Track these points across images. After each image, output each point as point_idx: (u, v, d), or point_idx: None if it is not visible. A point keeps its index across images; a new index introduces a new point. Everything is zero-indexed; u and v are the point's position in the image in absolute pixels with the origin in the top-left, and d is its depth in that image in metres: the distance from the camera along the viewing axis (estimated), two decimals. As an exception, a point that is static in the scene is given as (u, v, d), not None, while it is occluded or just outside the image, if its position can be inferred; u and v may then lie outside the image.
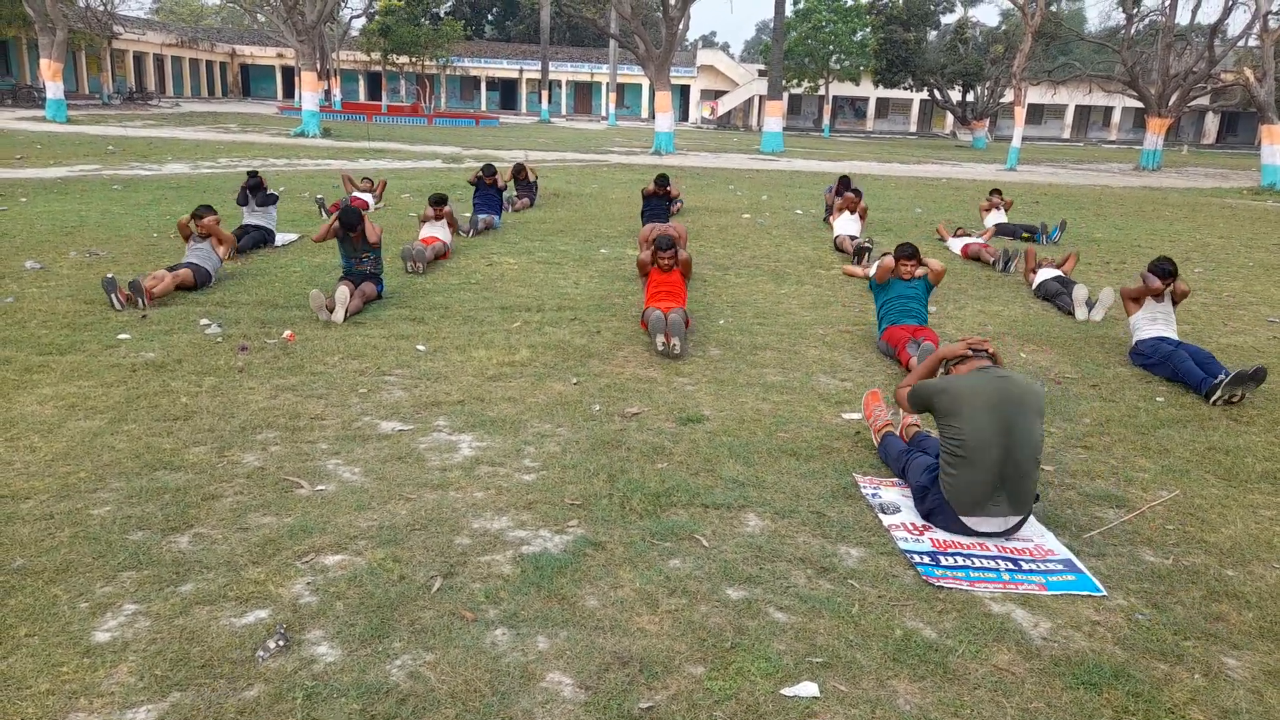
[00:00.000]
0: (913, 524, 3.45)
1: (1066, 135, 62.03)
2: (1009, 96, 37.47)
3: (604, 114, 56.51)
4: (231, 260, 7.83)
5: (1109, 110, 61.88)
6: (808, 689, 2.42)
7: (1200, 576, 3.15)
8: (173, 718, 2.24)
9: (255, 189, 8.96)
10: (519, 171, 13.02)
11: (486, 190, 11.15)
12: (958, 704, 2.40)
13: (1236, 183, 24.77)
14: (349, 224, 6.63)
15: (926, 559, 3.18)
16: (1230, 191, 21.92)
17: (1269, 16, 22.20)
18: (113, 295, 6.19)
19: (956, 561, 3.18)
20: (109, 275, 6.34)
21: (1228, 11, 27.17)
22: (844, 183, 12.19)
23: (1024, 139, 29.89)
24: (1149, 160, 29.58)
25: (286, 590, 2.81)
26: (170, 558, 2.99)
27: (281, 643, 2.53)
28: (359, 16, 50.72)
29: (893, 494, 3.72)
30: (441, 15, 57.08)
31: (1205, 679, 2.57)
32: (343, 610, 2.71)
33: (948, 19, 51.72)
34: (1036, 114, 62.51)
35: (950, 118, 52.67)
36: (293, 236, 9.46)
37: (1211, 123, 61.78)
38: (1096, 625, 2.82)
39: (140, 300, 6.25)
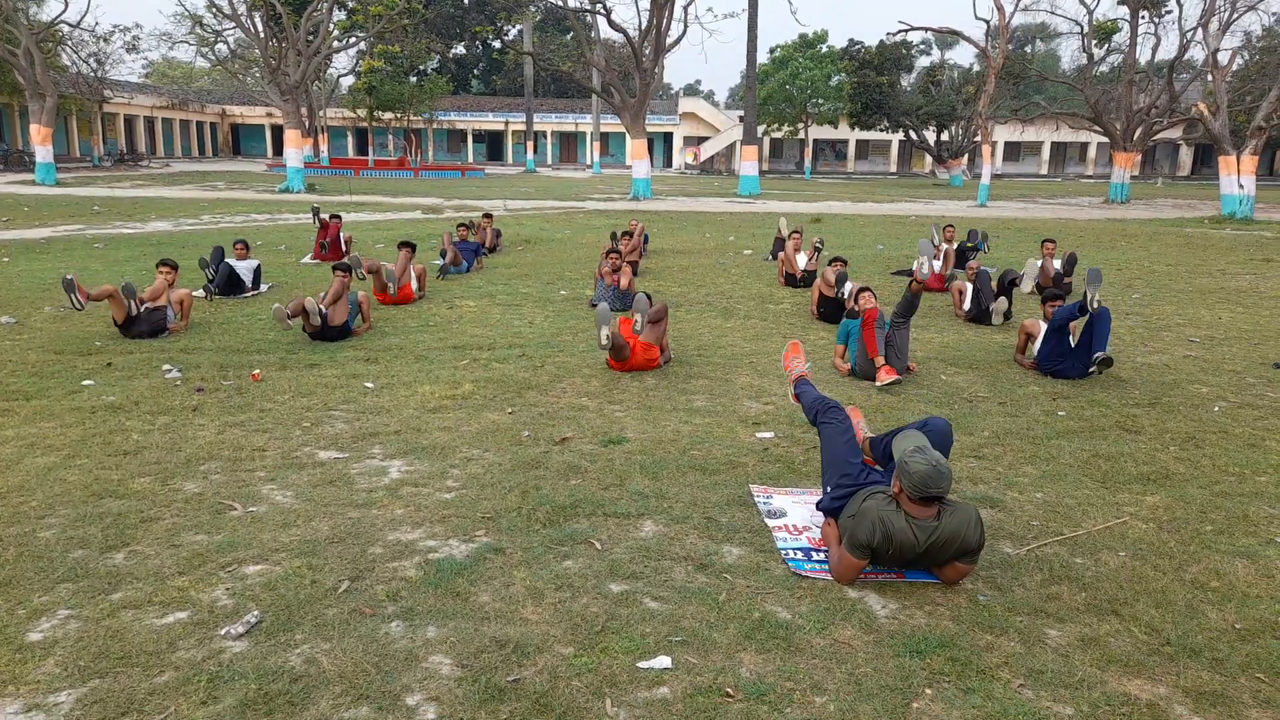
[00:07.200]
0: (794, 525, 3.76)
1: (1044, 171, 63.21)
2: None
3: (589, 163, 57.53)
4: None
5: (1084, 146, 63.12)
6: (661, 662, 2.72)
7: (1047, 564, 3.46)
8: (89, 700, 2.52)
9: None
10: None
11: (465, 244, 11.75)
12: (793, 671, 2.69)
13: (1200, 213, 25.38)
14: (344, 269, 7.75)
15: (799, 554, 3.49)
16: (1191, 221, 22.51)
17: (1218, 54, 23.01)
18: (72, 295, 6.80)
19: (826, 557, 3.48)
20: (68, 275, 6.90)
21: (1184, 50, 28.09)
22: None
23: (1003, 176, 30.72)
24: (1117, 193, 30.29)
25: (206, 595, 3.11)
26: (105, 571, 3.28)
27: (252, 623, 2.89)
28: (346, 75, 51.94)
29: (783, 501, 4.03)
30: (427, 72, 58.33)
31: (1023, 646, 2.87)
32: (255, 609, 3.00)
33: (924, 61, 53.13)
34: (1014, 151, 63.78)
35: (929, 157, 53.73)
36: (265, 286, 9.86)
37: (1186, 155, 63.05)
38: (938, 605, 3.12)
39: (74, 299, 6.83)
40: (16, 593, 3.11)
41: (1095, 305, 6.17)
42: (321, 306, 7.05)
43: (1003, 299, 8.21)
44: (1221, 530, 3.82)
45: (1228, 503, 4.14)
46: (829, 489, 3.71)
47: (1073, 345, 6.33)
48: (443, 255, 11.07)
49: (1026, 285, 7.86)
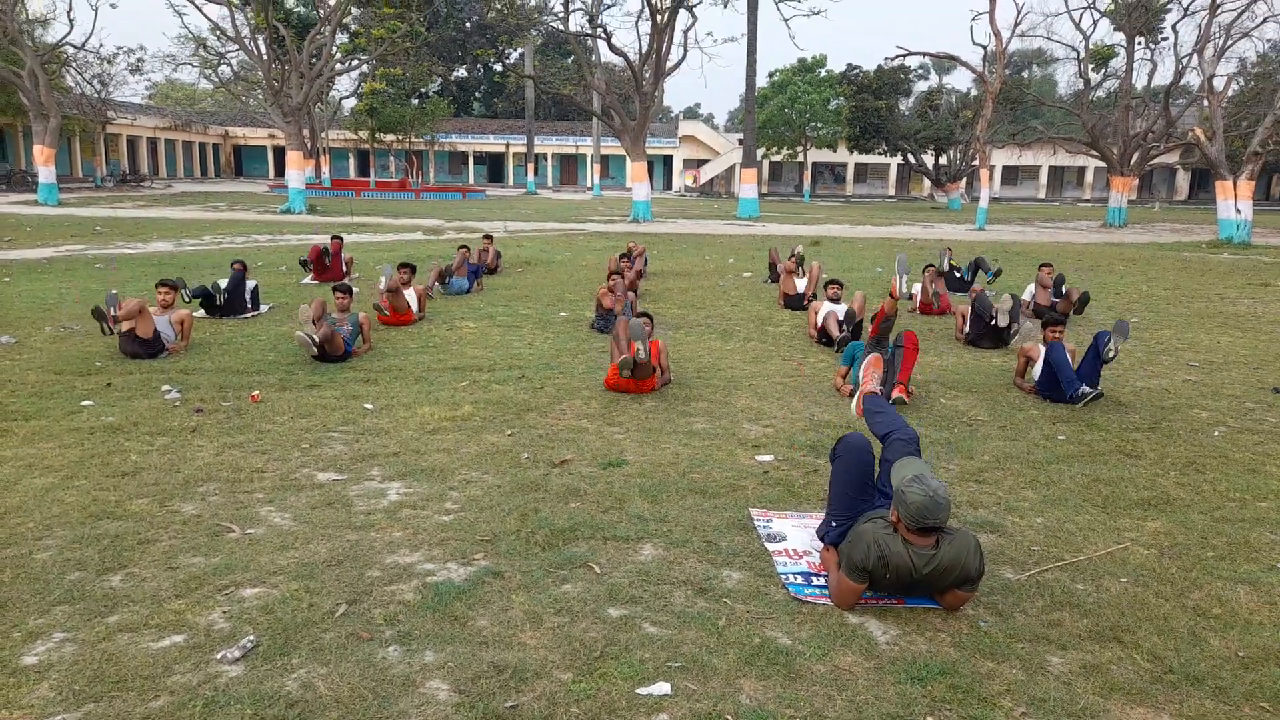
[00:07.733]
0: (794, 550, 3.74)
1: (1042, 195, 63.48)
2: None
3: (589, 185, 57.80)
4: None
5: (1082, 170, 63.45)
6: (661, 688, 2.70)
7: (1049, 590, 3.44)
8: (83, 725, 2.50)
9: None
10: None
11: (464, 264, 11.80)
12: (794, 698, 2.67)
13: (1198, 237, 25.49)
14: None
15: (799, 579, 3.47)
16: (1189, 245, 22.59)
17: (1213, 79, 23.20)
18: (103, 324, 7.13)
19: (826, 582, 3.46)
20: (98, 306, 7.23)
21: (1180, 75, 28.32)
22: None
23: (1001, 199, 30.85)
24: (1115, 217, 30.43)
25: (203, 619, 3.09)
26: (101, 593, 3.26)
27: (248, 648, 2.86)
28: (348, 97, 52.27)
29: (784, 525, 4.01)
30: (429, 94, 58.75)
31: (1025, 674, 2.85)
32: (251, 633, 2.98)
33: (922, 85, 53.52)
34: (1012, 175, 64.08)
35: (927, 181, 54.03)
36: (265, 307, 9.88)
37: (1183, 180, 63.36)
38: (940, 632, 3.10)
39: (105, 327, 7.14)
40: (12, 615, 3.09)
41: (1111, 356, 6.26)
42: (313, 314, 7.10)
43: (1008, 297, 8.41)
44: (1223, 556, 3.81)
45: (1229, 528, 4.13)
46: (833, 523, 3.69)
47: (1075, 374, 6.33)
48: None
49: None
